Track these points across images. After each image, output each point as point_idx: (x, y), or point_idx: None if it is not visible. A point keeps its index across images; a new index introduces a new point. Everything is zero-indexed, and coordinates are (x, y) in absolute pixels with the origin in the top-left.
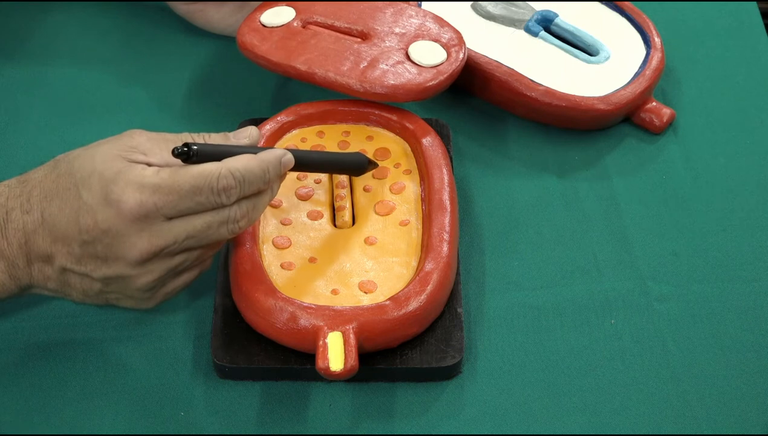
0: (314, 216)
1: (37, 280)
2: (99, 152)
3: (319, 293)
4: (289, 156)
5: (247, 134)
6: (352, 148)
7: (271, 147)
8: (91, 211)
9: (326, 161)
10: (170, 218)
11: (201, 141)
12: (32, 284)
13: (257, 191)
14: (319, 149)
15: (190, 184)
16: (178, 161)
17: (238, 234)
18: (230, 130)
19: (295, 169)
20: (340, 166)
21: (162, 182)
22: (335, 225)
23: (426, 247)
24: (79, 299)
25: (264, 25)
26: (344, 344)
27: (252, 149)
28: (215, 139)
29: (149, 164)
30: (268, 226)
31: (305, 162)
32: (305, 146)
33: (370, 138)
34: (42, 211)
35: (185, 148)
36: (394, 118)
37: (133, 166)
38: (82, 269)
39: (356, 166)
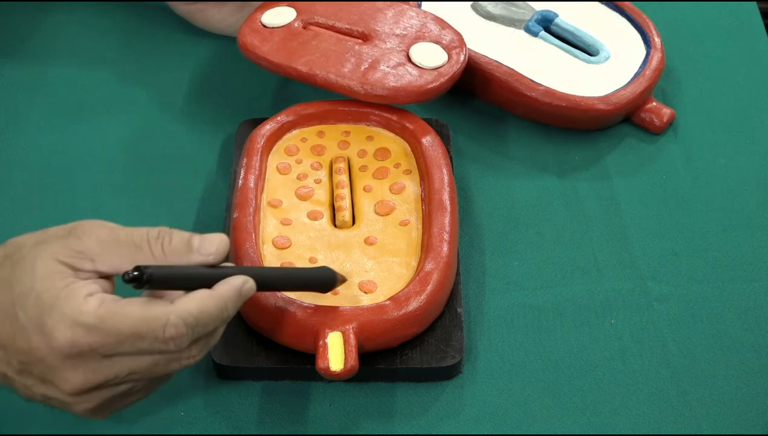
0: (314, 216)
1: None
2: (41, 262)
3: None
4: (250, 284)
5: (214, 250)
6: (353, 148)
7: (232, 266)
8: (26, 335)
9: (291, 280)
10: (109, 356)
11: (159, 250)
12: None
13: (213, 330)
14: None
15: (131, 331)
16: (129, 265)
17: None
18: (231, 131)
19: (259, 290)
20: (306, 283)
21: (99, 323)
22: (335, 225)
23: (426, 247)
24: (25, 398)
25: (265, 26)
26: (344, 344)
27: (211, 273)
28: (176, 246)
29: (98, 272)
30: (268, 226)
31: (268, 284)
32: (305, 146)
33: (370, 138)
34: None
35: (137, 275)
36: (394, 118)
37: (74, 292)
38: (22, 381)
39: (324, 282)
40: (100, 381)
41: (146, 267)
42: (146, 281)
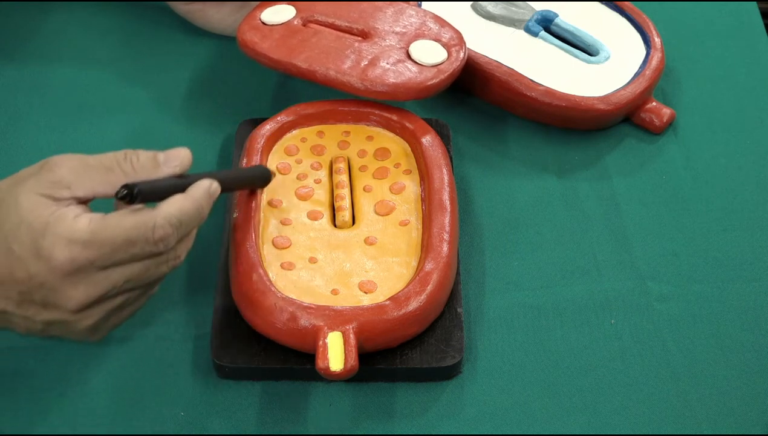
0: (314, 216)
1: None
2: (24, 197)
3: (319, 293)
4: (215, 186)
5: (179, 161)
6: (352, 148)
7: (195, 174)
8: (23, 265)
9: (237, 179)
10: (106, 268)
11: (129, 167)
12: None
13: (193, 229)
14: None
15: (124, 238)
16: (105, 188)
17: (238, 237)
18: (231, 131)
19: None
20: (250, 179)
21: (93, 236)
22: (335, 225)
23: (426, 247)
24: (23, 334)
25: (264, 23)
26: (344, 344)
27: (183, 182)
28: (144, 162)
29: (76, 198)
30: (268, 226)
31: (224, 185)
32: (305, 146)
33: (370, 138)
34: None
35: (127, 192)
36: (394, 118)
37: (63, 214)
38: (22, 313)
39: (261, 177)
40: (100, 293)
41: (134, 184)
42: (136, 195)
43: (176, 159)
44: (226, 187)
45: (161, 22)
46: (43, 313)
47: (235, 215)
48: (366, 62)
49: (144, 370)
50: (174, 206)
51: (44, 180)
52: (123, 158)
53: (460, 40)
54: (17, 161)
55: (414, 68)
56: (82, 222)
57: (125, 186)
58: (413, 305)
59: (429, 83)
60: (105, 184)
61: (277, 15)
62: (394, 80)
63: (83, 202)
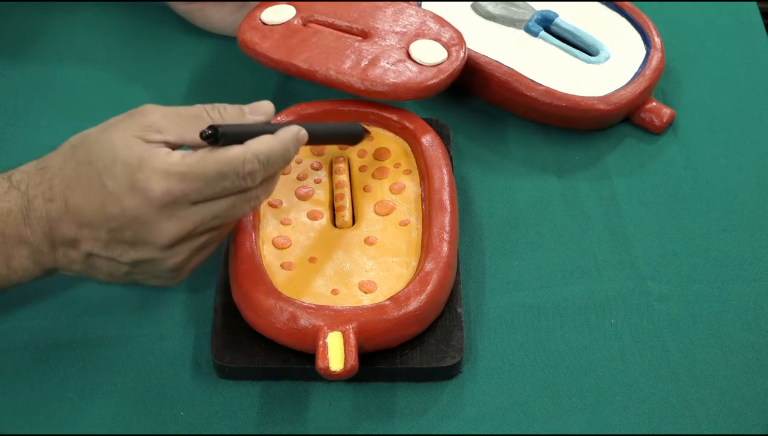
0: (314, 216)
1: (62, 264)
2: (117, 136)
3: (319, 293)
4: (303, 132)
5: (264, 111)
6: (352, 148)
7: (287, 123)
8: (117, 199)
9: (329, 132)
10: (196, 203)
11: (217, 115)
12: (57, 267)
13: (278, 170)
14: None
15: (217, 171)
16: (193, 135)
17: (243, 225)
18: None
19: (307, 143)
20: (340, 135)
21: (188, 169)
22: (335, 225)
23: (426, 247)
24: (104, 279)
25: (264, 23)
26: (344, 344)
27: (270, 127)
28: (231, 112)
29: (166, 143)
30: (268, 226)
31: (313, 135)
32: (305, 146)
33: (369, 138)
34: (65, 200)
35: (212, 132)
36: (394, 117)
37: (156, 151)
38: (109, 254)
39: (354, 134)
40: (191, 228)
41: (218, 126)
42: (220, 136)
43: (261, 108)
44: (315, 139)
45: (161, 22)
46: (131, 252)
47: None
48: (366, 62)
49: (144, 370)
50: (263, 144)
51: (137, 123)
52: (211, 108)
53: (460, 39)
54: (17, 161)
55: (414, 68)
56: (176, 157)
57: (210, 127)
58: (413, 305)
59: (429, 83)
60: (194, 131)
61: (277, 15)
62: (394, 80)
63: (172, 147)
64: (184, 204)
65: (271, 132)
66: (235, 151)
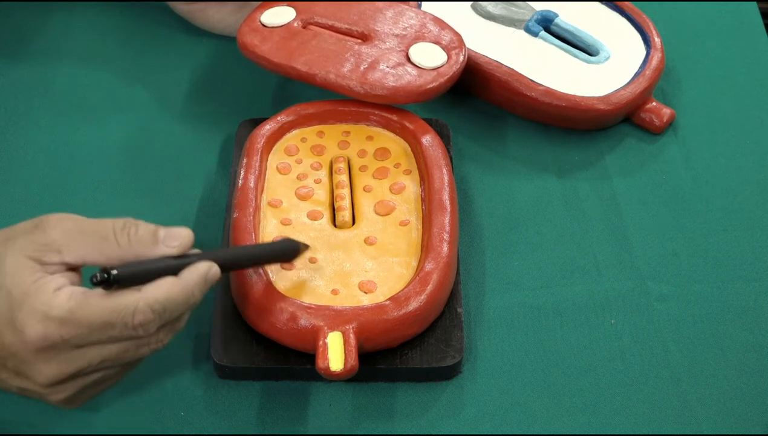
0: (314, 216)
1: None
2: (9, 259)
3: (319, 293)
4: (215, 270)
5: (179, 243)
6: (352, 148)
7: (196, 253)
8: None
9: (255, 256)
10: (81, 346)
11: (125, 240)
12: None
13: (182, 314)
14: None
15: (101, 320)
16: (95, 256)
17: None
18: (231, 131)
19: (225, 271)
20: (271, 256)
21: (69, 315)
22: (335, 225)
23: (426, 247)
24: (2, 390)
25: (264, 25)
26: (344, 344)
27: (176, 263)
28: (142, 236)
29: (64, 264)
30: (268, 226)
31: (235, 264)
32: (305, 146)
33: (370, 138)
34: None
35: (104, 276)
36: (394, 118)
37: (43, 286)
38: None
39: (287, 252)
40: (73, 371)
41: (112, 268)
42: (113, 281)
43: (176, 239)
44: (237, 266)
45: (161, 22)
46: (16, 380)
47: (235, 215)
48: (365, 65)
49: (144, 370)
50: (160, 291)
51: (35, 241)
52: (121, 228)
53: (460, 42)
54: (17, 161)
55: (413, 71)
56: (61, 298)
57: (102, 270)
58: (413, 305)
59: (428, 87)
60: (97, 253)
61: (277, 17)
62: (393, 84)
63: (73, 268)
64: (64, 348)
65: (177, 270)
66: (125, 300)
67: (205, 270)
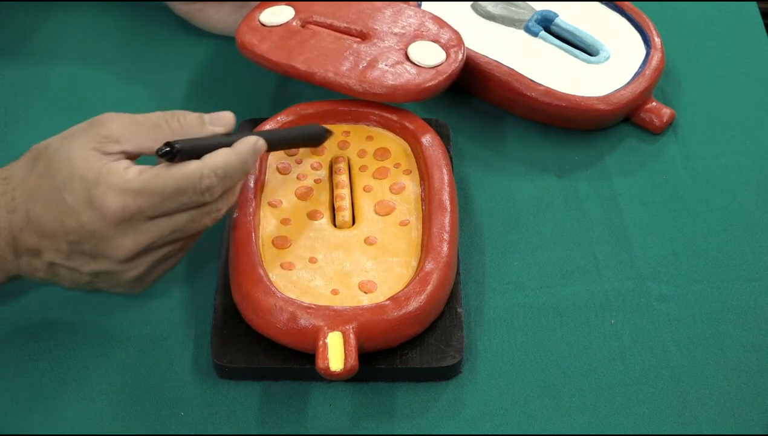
0: (314, 216)
1: (26, 271)
2: (75, 150)
3: (319, 293)
4: (261, 142)
5: (224, 122)
6: (352, 148)
7: (244, 134)
8: (75, 214)
9: (289, 138)
10: (153, 218)
11: (176, 124)
12: (21, 274)
13: (238, 181)
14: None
15: (174, 187)
16: (152, 145)
17: (236, 228)
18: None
19: (268, 150)
20: (301, 138)
21: (145, 186)
22: (335, 225)
23: (426, 247)
24: (68, 287)
25: (263, 25)
26: (344, 344)
27: (228, 139)
28: (190, 121)
29: (124, 153)
30: (268, 226)
31: (273, 142)
32: (305, 147)
33: (370, 138)
34: (27, 212)
35: (168, 149)
36: (394, 118)
37: (114, 166)
38: (70, 264)
39: (315, 136)
40: (148, 243)
41: (175, 142)
42: (176, 152)
43: (221, 119)
44: (276, 146)
45: (161, 22)
46: (91, 263)
47: (235, 215)
48: (364, 64)
49: (144, 370)
50: (219, 158)
51: (95, 134)
52: (171, 117)
53: (459, 41)
54: None
55: (412, 70)
56: (133, 172)
57: (167, 143)
58: (413, 305)
59: (427, 85)
60: (152, 140)
61: (276, 16)
62: (392, 82)
63: (131, 157)
64: (140, 219)
65: (229, 144)
66: (191, 167)
67: (254, 141)
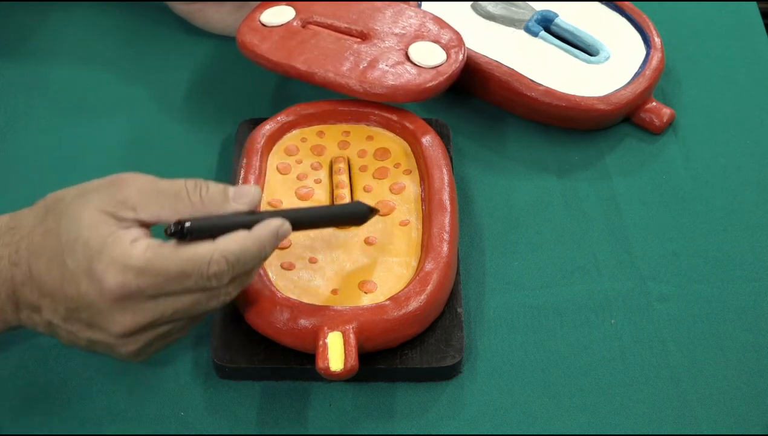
0: None
1: (26, 323)
2: (86, 211)
3: (319, 293)
4: (287, 226)
5: (249, 200)
6: (352, 148)
7: (267, 211)
8: (75, 281)
9: (325, 217)
10: (155, 297)
11: (197, 197)
12: (21, 325)
13: (253, 269)
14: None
15: (178, 270)
16: (169, 214)
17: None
18: (231, 131)
19: (295, 230)
20: (340, 218)
21: (148, 265)
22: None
23: (426, 247)
24: (67, 345)
25: (264, 25)
26: (344, 344)
27: (248, 219)
28: (213, 194)
29: (139, 221)
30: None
31: (304, 223)
32: (305, 146)
33: (370, 138)
34: (30, 267)
35: (179, 228)
36: (394, 118)
37: (121, 237)
38: (68, 328)
39: (357, 216)
40: (147, 322)
41: (186, 220)
42: (186, 232)
43: (246, 196)
44: (306, 226)
45: (161, 22)
46: (88, 331)
47: None
48: (365, 64)
49: (144, 370)
50: (234, 242)
51: (111, 197)
52: (193, 187)
53: (460, 41)
54: (17, 161)
55: (413, 70)
56: (139, 248)
57: (177, 223)
58: (413, 305)
59: (427, 85)
60: (171, 211)
61: (276, 16)
62: (392, 82)
63: (145, 225)
64: (140, 298)
65: (250, 225)
66: (201, 250)
67: (277, 225)
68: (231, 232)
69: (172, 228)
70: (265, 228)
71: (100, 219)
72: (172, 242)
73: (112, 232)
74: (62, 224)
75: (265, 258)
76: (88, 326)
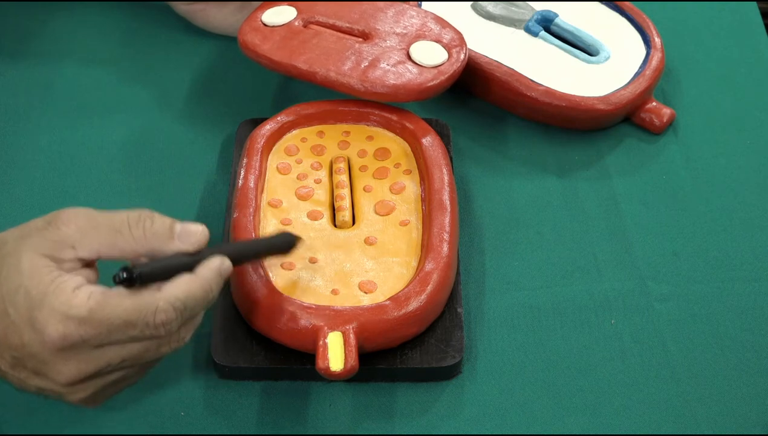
0: (314, 216)
1: None
2: (26, 258)
3: (319, 293)
4: (227, 264)
5: (195, 241)
6: (353, 148)
7: (206, 249)
8: (18, 331)
9: (257, 249)
10: (100, 346)
11: (140, 232)
12: None
13: (200, 311)
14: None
15: (122, 320)
16: (109, 251)
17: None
18: (231, 131)
19: (236, 265)
20: (270, 248)
21: (90, 315)
22: (335, 225)
23: (426, 247)
24: (19, 390)
25: (265, 25)
26: (344, 344)
27: (190, 260)
28: (158, 229)
29: (80, 259)
30: (268, 226)
31: (240, 258)
32: (305, 146)
33: (370, 138)
34: None
35: (126, 276)
36: (394, 118)
37: (62, 285)
38: (16, 375)
39: (284, 245)
40: (93, 371)
41: (133, 267)
42: (136, 279)
43: (193, 235)
44: (242, 261)
45: (162, 22)
46: (36, 379)
47: (235, 215)
48: (366, 63)
49: None
50: (179, 289)
51: (48, 238)
52: (136, 221)
53: (461, 41)
54: (17, 161)
55: (414, 69)
56: (81, 297)
57: (125, 269)
58: (413, 305)
59: (429, 84)
60: (111, 247)
61: (278, 16)
62: (394, 81)
63: (88, 263)
64: (84, 348)
65: (192, 266)
66: (146, 299)
67: (218, 263)
68: (176, 275)
69: (121, 276)
70: (208, 269)
71: (41, 264)
72: (117, 289)
73: (53, 278)
74: (3, 273)
75: (212, 300)
76: (35, 374)
